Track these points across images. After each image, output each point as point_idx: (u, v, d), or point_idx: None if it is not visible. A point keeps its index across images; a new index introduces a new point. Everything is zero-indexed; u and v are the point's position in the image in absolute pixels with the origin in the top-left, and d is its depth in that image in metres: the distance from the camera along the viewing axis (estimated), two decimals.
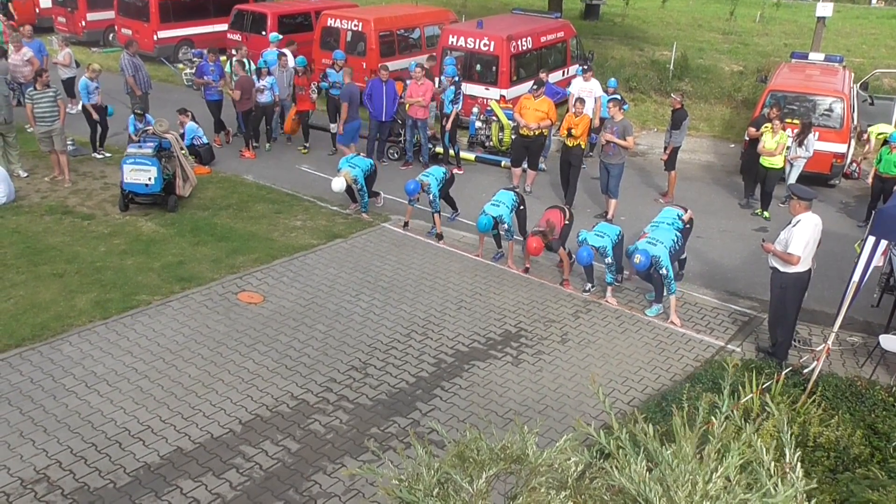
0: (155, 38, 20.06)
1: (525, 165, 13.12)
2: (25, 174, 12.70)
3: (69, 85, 15.85)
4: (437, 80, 14.57)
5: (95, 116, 13.43)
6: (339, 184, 11.27)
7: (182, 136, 13.26)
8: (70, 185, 12.44)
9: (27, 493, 6.06)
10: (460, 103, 13.75)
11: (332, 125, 14.54)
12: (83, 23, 21.81)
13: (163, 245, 10.52)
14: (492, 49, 15.57)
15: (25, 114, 12.33)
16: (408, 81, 14.01)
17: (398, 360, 8.11)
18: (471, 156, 14.65)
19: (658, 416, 6.82)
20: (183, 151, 12.29)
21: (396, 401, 7.45)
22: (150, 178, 11.29)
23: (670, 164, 12.81)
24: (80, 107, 14.00)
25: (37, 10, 23.03)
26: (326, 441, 6.84)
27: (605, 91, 14.06)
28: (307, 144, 14.75)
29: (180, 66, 19.45)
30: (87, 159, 13.75)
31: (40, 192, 12.23)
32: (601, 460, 3.75)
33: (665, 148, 12.86)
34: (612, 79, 14.83)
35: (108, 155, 13.82)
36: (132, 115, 12.94)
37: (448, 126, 13.60)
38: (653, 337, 8.81)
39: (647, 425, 2.92)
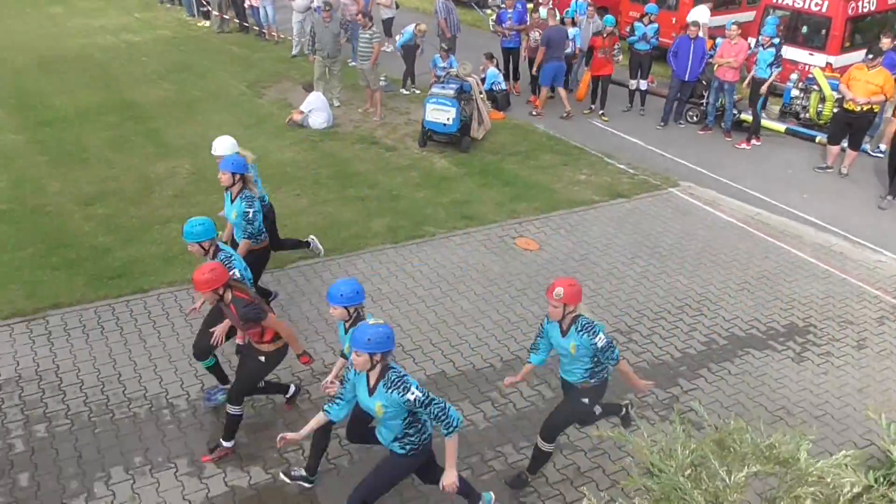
0: None
1: (845, 144, 11.69)
2: (338, 104, 14.03)
3: (388, 25, 17.15)
4: (751, 40, 13.40)
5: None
6: (221, 144, 7.46)
7: (483, 80, 13.73)
8: (380, 118, 13.54)
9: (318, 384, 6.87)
10: (780, 68, 12.49)
11: (632, 81, 14.12)
12: None
13: (452, 182, 11.09)
14: (824, 9, 13.94)
15: (351, 49, 13.56)
16: (719, 40, 13.06)
17: (665, 332, 7.81)
18: (780, 127, 13.39)
19: None
20: (482, 95, 12.74)
21: (658, 372, 7.20)
22: (448, 119, 11.89)
23: None
24: (395, 46, 15.13)
25: None
26: None
27: None
28: (602, 111, 14.01)
29: (488, 11, 20.06)
30: (397, 95, 14.85)
31: (354, 121, 13.48)
32: (886, 486, 3.30)
33: None
34: None
35: (416, 91, 14.79)
36: (437, 54, 13.67)
37: (763, 91, 12.46)
38: None
39: None
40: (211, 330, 5.99)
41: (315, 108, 12.87)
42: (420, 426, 4.71)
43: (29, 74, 15.42)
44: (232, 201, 6.81)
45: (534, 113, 14.04)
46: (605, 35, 13.58)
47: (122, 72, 15.83)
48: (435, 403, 4.51)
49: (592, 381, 5.37)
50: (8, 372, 6.79)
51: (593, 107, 14.09)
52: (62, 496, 5.54)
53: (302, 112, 12.89)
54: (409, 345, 7.42)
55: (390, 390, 4.48)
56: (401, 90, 15.03)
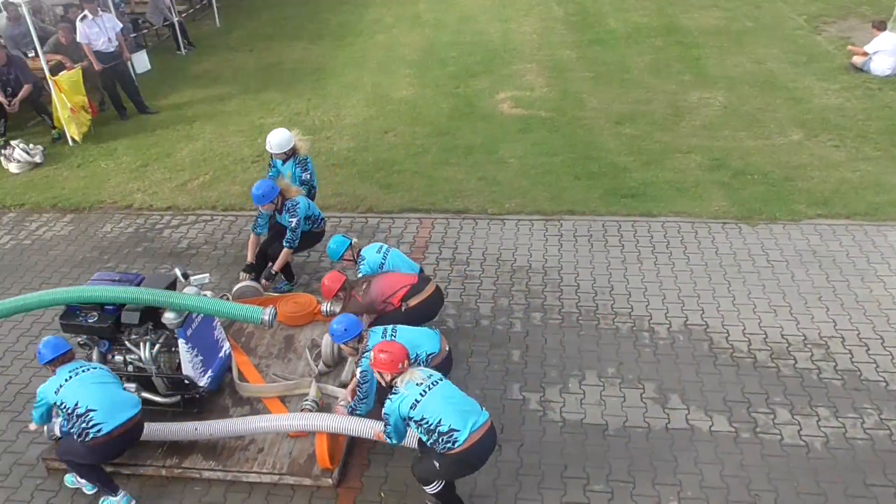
0: None
1: None
2: None
3: None
4: None
5: None
6: (276, 140, 7.36)
7: None
8: None
9: (805, 350, 6.24)
10: None
11: None
12: None
13: None
14: None
15: None
16: None
17: None
18: None
19: None
20: None
21: None
22: None
23: None
24: None
25: None
26: None
27: None
28: None
29: None
30: None
31: None
32: None
33: None
34: None
35: None
36: None
37: None
38: None
39: None
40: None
41: (883, 51, 11.20)
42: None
43: None
44: (279, 213, 6.95)
45: None
46: None
47: None
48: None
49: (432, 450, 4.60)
50: (522, 261, 7.66)
51: None
52: (542, 380, 6.12)
53: (866, 54, 11.35)
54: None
55: None
56: None
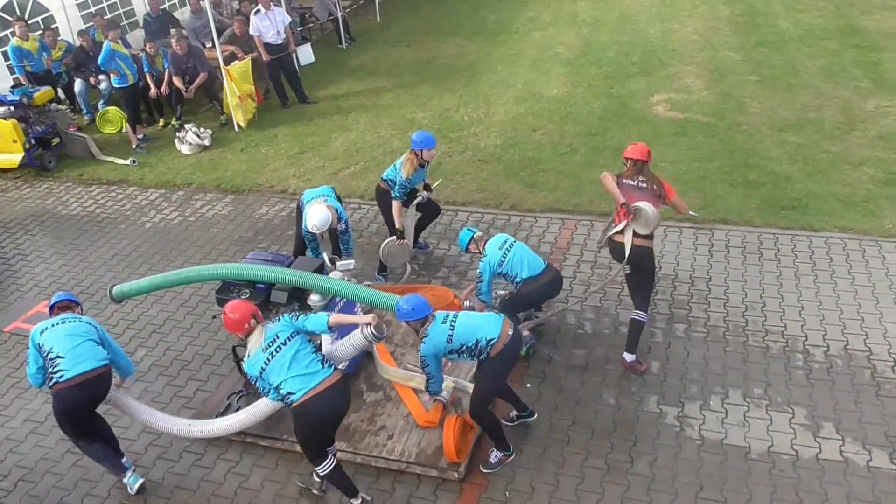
0: None
1: None
2: None
3: None
4: None
5: None
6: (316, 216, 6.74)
7: None
8: None
9: None
10: None
11: None
12: None
13: None
14: None
15: None
16: None
17: None
18: None
19: None
20: None
21: None
22: None
23: None
24: None
25: None
26: None
27: None
28: None
29: None
30: None
31: None
32: None
33: None
34: None
35: None
36: None
37: None
38: None
39: None
40: None
41: None
42: None
43: None
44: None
45: None
46: None
47: None
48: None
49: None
50: (668, 269, 7.36)
51: None
52: (682, 394, 5.86)
53: None
54: None
55: None
56: None
